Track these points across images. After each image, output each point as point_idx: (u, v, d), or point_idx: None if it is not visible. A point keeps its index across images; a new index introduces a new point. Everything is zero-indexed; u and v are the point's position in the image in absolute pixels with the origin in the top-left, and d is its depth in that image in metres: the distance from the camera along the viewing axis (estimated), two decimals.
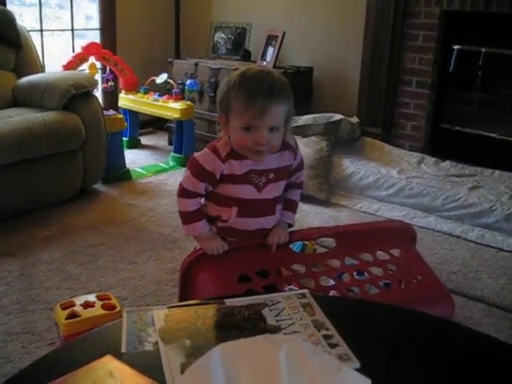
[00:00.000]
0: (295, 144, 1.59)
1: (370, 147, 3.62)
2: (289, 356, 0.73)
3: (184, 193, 1.54)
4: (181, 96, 3.83)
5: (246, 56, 4.18)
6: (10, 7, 3.51)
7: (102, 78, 4.02)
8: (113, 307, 1.72)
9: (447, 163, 3.43)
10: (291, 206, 1.67)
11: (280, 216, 1.62)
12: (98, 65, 3.91)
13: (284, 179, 1.59)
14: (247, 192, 1.51)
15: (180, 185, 1.55)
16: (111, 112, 3.46)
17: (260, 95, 1.37)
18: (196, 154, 1.53)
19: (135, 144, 4.18)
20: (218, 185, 1.52)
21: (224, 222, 1.55)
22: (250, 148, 1.42)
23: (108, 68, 3.98)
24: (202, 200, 1.58)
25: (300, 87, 3.69)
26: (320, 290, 1.54)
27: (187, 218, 1.56)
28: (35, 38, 3.55)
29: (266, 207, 1.57)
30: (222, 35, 4.31)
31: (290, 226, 1.67)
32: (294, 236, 1.66)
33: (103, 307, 1.71)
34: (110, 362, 0.85)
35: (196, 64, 4.00)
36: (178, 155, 3.82)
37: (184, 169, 3.86)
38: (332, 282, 1.64)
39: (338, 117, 3.51)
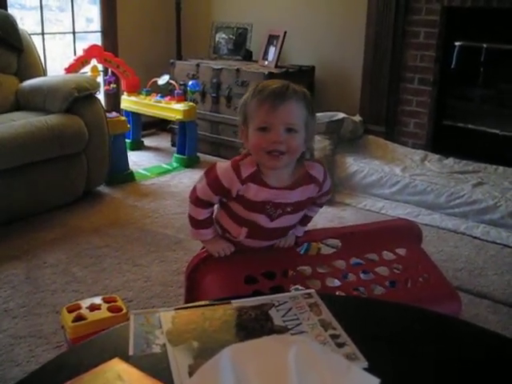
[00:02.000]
0: (324, 173, 1.52)
1: (373, 145, 3.62)
2: (298, 357, 0.73)
3: (197, 201, 1.49)
4: (183, 97, 3.84)
5: (248, 56, 4.17)
6: (10, 11, 3.51)
7: (104, 80, 4.02)
8: (119, 309, 1.72)
9: (450, 160, 3.42)
10: (305, 222, 1.64)
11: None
12: (100, 67, 3.91)
13: (303, 210, 1.54)
14: (258, 219, 1.48)
15: (194, 191, 1.50)
16: (114, 114, 3.46)
17: (274, 92, 1.36)
18: (218, 165, 1.47)
19: (138, 146, 4.19)
20: (232, 200, 1.48)
21: (233, 237, 1.55)
22: (265, 148, 1.36)
23: (110, 70, 3.98)
24: (216, 206, 1.55)
25: (302, 86, 3.70)
26: (326, 291, 1.53)
27: (195, 224, 1.54)
28: (37, 42, 3.55)
29: (278, 233, 1.56)
30: (223, 35, 4.31)
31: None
32: (300, 238, 1.66)
33: (109, 309, 1.71)
34: (117, 365, 0.85)
35: (197, 65, 4.00)
36: (181, 156, 3.82)
37: (187, 170, 3.80)
38: (337, 283, 1.64)
39: (341, 115, 3.51)
